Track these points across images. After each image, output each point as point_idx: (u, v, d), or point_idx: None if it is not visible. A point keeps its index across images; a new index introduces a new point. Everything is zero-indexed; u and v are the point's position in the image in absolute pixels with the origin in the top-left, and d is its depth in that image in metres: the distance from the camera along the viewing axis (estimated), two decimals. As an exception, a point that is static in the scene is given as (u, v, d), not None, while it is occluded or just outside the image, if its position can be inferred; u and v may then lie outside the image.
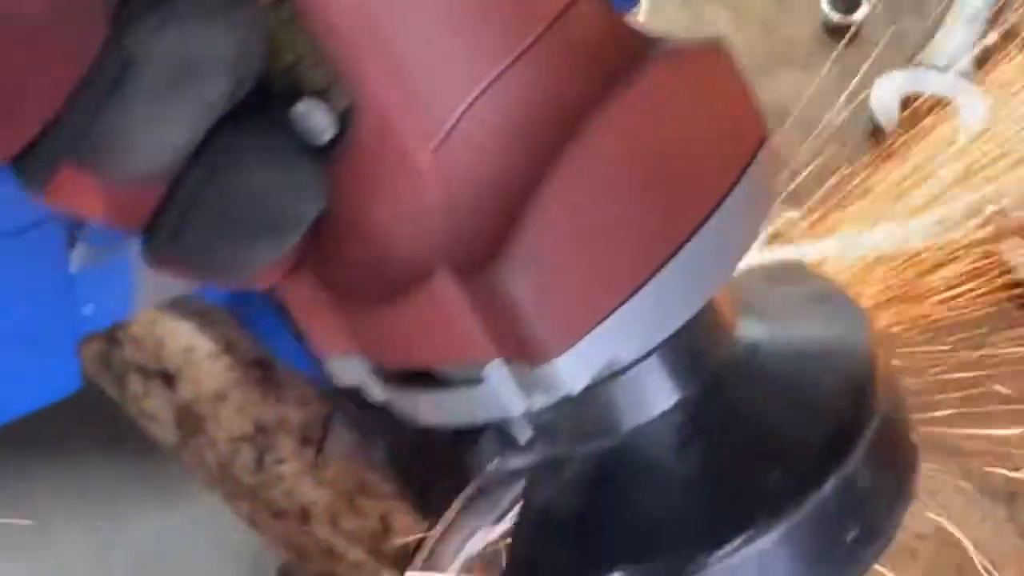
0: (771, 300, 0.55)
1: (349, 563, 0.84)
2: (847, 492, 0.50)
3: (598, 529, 0.50)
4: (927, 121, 1.03)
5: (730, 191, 0.47)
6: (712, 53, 0.48)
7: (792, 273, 0.58)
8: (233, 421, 0.89)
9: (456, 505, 0.52)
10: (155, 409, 0.91)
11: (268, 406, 0.89)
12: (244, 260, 0.45)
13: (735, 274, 0.50)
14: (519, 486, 0.52)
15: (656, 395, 0.50)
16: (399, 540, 0.82)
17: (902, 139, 1.02)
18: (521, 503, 0.51)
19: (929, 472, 0.72)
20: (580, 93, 0.45)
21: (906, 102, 1.04)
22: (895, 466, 0.52)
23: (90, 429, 1.88)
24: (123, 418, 1.78)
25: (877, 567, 0.84)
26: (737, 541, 0.48)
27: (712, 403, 0.51)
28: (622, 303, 0.46)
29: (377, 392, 0.50)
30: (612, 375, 0.48)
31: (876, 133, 1.03)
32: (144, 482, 2.02)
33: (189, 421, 0.90)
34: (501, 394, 0.48)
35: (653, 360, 0.49)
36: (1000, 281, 0.95)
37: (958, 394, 0.91)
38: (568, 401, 0.48)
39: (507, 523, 0.52)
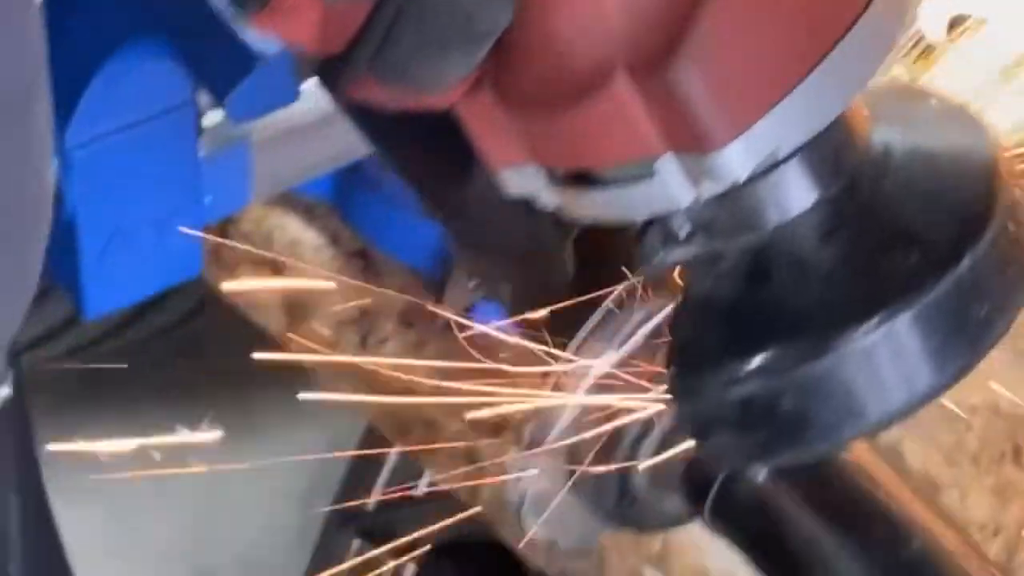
0: (900, 111, 0.58)
1: (449, 433, 0.88)
2: (979, 272, 0.54)
3: (750, 313, 0.55)
4: (972, 39, 1.08)
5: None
6: None
7: (915, 92, 0.63)
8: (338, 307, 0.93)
9: (583, 331, 0.58)
10: (264, 299, 0.95)
11: (370, 293, 0.92)
12: (439, 72, 0.50)
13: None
14: (640, 314, 0.57)
15: (802, 193, 0.54)
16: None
17: (949, 54, 1.07)
18: (681, 293, 0.56)
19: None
20: None
21: (954, 22, 1.05)
22: (1017, 253, 0.56)
23: (153, 376, 1.85)
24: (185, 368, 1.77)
25: (936, 438, 0.88)
26: (877, 318, 0.53)
27: (851, 199, 0.55)
28: (784, 96, 0.51)
29: (548, 198, 0.54)
30: (766, 172, 0.52)
31: (926, 50, 1.04)
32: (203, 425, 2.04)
33: (297, 308, 0.94)
34: (670, 186, 0.52)
35: (800, 159, 0.53)
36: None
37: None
38: (724, 198, 0.53)
39: (629, 347, 0.57)
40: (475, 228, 0.60)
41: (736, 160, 0.52)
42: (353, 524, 1.52)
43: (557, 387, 0.59)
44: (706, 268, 0.56)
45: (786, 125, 0.52)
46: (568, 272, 0.61)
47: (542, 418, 0.60)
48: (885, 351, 0.54)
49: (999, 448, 0.88)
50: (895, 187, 0.57)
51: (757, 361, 0.55)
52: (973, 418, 0.89)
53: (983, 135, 0.59)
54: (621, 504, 0.62)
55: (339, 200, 0.96)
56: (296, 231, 0.96)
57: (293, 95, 0.72)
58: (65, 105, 0.72)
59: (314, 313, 0.95)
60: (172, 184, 0.77)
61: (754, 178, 0.53)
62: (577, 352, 0.59)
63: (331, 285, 0.92)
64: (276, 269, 0.96)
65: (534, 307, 0.66)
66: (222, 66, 0.71)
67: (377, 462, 1.48)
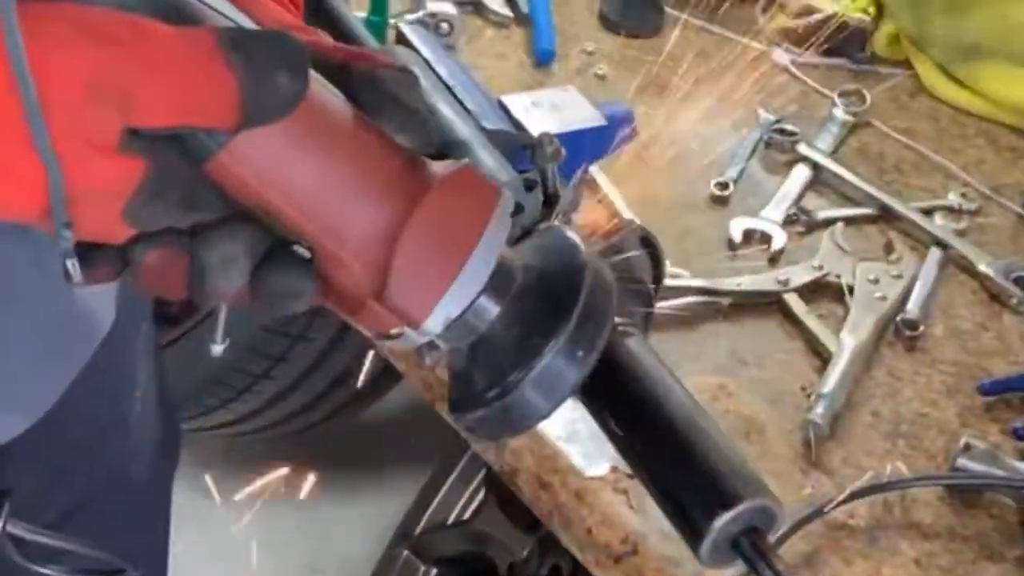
0: (532, 241, 0.81)
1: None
2: (581, 324, 0.75)
3: (476, 372, 0.77)
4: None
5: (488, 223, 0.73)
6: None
7: (540, 230, 0.82)
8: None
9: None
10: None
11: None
12: (303, 303, 0.72)
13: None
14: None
15: (493, 304, 0.75)
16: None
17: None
18: (451, 359, 0.78)
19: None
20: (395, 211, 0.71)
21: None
22: (600, 307, 0.76)
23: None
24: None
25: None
26: (545, 350, 0.75)
27: (514, 303, 0.76)
28: (446, 291, 0.73)
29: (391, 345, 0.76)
30: (462, 314, 0.74)
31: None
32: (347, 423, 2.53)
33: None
34: (419, 337, 0.74)
35: (481, 301, 0.74)
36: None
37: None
38: (450, 327, 0.74)
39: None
40: None
41: (430, 326, 0.74)
42: (404, 543, 2.10)
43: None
44: (456, 354, 0.77)
45: (450, 300, 0.73)
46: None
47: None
48: (542, 376, 0.75)
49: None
50: (533, 286, 0.77)
51: (486, 395, 0.76)
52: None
53: (578, 249, 0.78)
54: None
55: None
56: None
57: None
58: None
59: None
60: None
61: (457, 319, 0.74)
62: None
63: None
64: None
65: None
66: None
67: (424, 506, 2.12)
